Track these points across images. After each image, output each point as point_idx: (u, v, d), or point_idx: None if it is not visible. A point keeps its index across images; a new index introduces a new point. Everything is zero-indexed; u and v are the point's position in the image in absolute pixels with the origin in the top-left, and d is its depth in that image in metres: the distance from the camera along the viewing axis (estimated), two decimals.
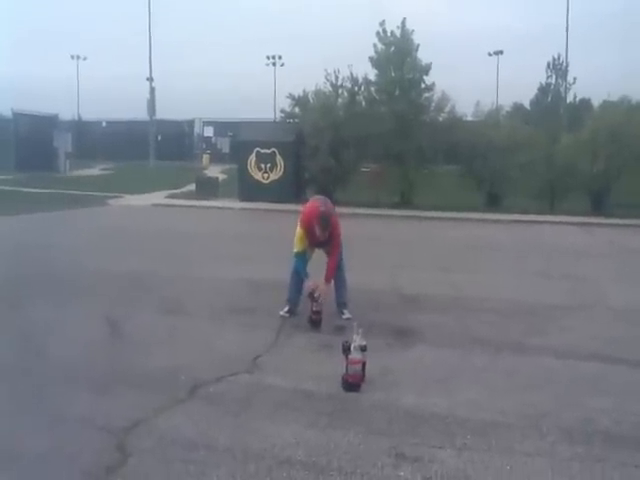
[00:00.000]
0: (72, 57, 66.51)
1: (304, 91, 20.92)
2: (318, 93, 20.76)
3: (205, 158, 45.25)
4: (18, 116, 31.96)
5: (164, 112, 45.51)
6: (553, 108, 42.66)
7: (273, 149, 20.13)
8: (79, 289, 8.16)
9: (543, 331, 6.66)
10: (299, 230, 6.85)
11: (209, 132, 51.86)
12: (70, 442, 3.98)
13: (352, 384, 4.87)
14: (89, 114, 54.61)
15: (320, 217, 6.65)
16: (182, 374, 5.10)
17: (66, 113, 44.65)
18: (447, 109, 20.53)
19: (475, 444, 4.02)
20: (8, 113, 32.37)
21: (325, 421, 4.34)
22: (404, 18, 20.45)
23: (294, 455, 3.84)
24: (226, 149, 47.53)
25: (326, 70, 20.52)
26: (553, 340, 6.33)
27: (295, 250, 6.86)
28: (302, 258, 6.86)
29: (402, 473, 3.65)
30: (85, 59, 67.00)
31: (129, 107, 50.58)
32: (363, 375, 4.94)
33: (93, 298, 7.70)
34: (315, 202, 7.15)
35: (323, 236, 6.70)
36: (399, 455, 3.85)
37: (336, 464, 3.74)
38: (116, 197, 21.15)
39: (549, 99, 45.86)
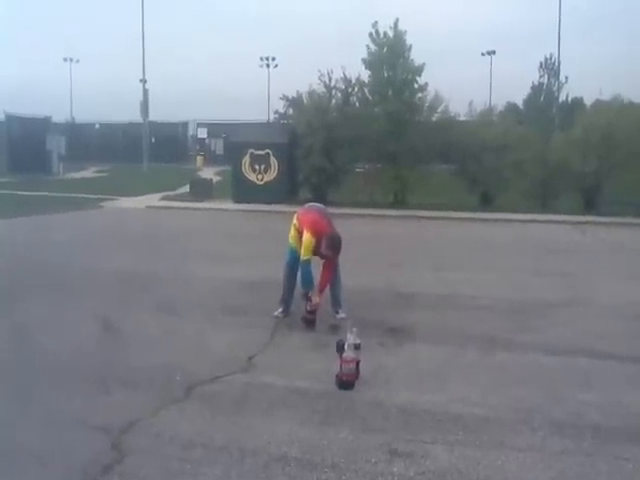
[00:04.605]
0: (65, 59, 66.53)
1: (298, 92, 20.98)
2: (312, 94, 20.80)
3: (199, 160, 45.23)
4: (11, 118, 31.84)
5: (157, 114, 45.44)
6: (546, 107, 42.83)
7: (267, 150, 20.16)
8: (75, 291, 8.20)
9: (534, 328, 6.72)
10: (311, 238, 6.66)
11: (203, 134, 51.81)
12: (67, 441, 4.02)
13: (346, 382, 4.92)
14: (82, 116, 54.53)
15: (331, 238, 6.62)
16: (178, 373, 5.14)
17: (59, 115, 44.56)
18: (440, 109, 20.60)
19: (467, 440, 4.08)
20: (0, 116, 32.27)
21: (319, 418, 4.39)
22: (397, 19, 20.51)
23: (289, 452, 3.88)
24: (220, 150, 47.52)
25: (319, 71, 20.58)
26: (544, 336, 6.39)
27: (306, 257, 6.67)
28: (310, 265, 6.73)
29: (395, 469, 3.71)
30: (78, 62, 67.04)
31: (122, 109, 50.53)
32: (357, 373, 5.00)
33: (89, 300, 7.73)
34: (317, 213, 7.04)
35: (329, 254, 6.72)
36: (392, 451, 3.90)
37: (330, 461, 3.79)
38: (110, 200, 21.15)
39: (542, 98, 46.00)
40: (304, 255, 6.69)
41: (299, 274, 6.86)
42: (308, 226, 6.76)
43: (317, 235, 6.69)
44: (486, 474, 3.67)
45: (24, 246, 11.89)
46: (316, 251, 6.75)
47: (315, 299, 6.64)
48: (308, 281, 6.71)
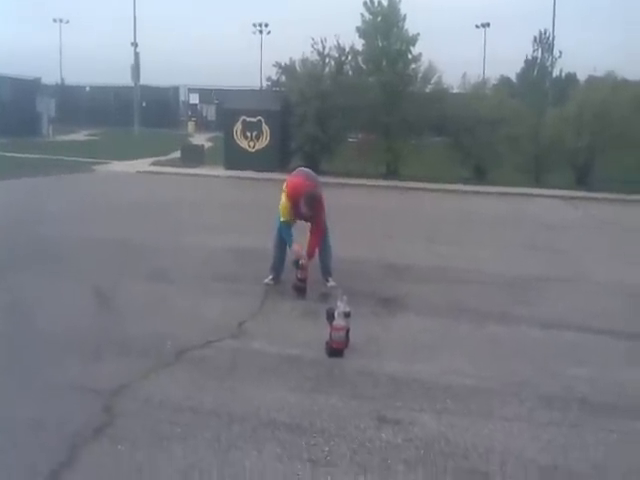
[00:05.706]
0: (54, 20, 65.55)
1: (291, 59, 20.75)
2: (305, 62, 20.56)
3: (190, 125, 45.00)
4: None
5: (149, 78, 44.99)
6: (539, 82, 42.68)
7: (259, 117, 19.99)
8: (65, 257, 8.12)
9: (527, 302, 6.75)
10: (285, 201, 6.77)
11: (194, 99, 51.45)
12: (58, 405, 4.02)
13: (336, 350, 4.94)
14: (72, 78, 53.94)
15: (307, 196, 6.61)
16: (168, 339, 5.14)
17: (49, 77, 43.99)
18: (434, 80, 20.44)
19: (455, 408, 4.11)
20: None
21: (309, 385, 4.41)
22: None
23: (278, 418, 3.90)
24: (212, 116, 47.28)
25: (313, 39, 20.33)
26: (537, 311, 6.42)
27: (282, 219, 6.81)
28: (288, 226, 6.85)
29: (383, 435, 3.73)
30: (68, 22, 66.09)
31: (113, 72, 49.96)
32: (347, 341, 5.01)
33: (79, 266, 7.67)
34: (302, 177, 7.03)
35: (308, 213, 6.73)
36: (381, 418, 3.93)
37: (319, 426, 3.81)
38: (101, 163, 20.98)
39: (535, 73, 45.84)
40: (282, 217, 6.81)
41: None
42: (288, 190, 6.81)
43: (292, 198, 6.71)
44: (473, 442, 3.70)
45: (16, 209, 11.79)
46: (298, 213, 6.79)
47: (299, 253, 6.65)
48: (288, 242, 6.82)
